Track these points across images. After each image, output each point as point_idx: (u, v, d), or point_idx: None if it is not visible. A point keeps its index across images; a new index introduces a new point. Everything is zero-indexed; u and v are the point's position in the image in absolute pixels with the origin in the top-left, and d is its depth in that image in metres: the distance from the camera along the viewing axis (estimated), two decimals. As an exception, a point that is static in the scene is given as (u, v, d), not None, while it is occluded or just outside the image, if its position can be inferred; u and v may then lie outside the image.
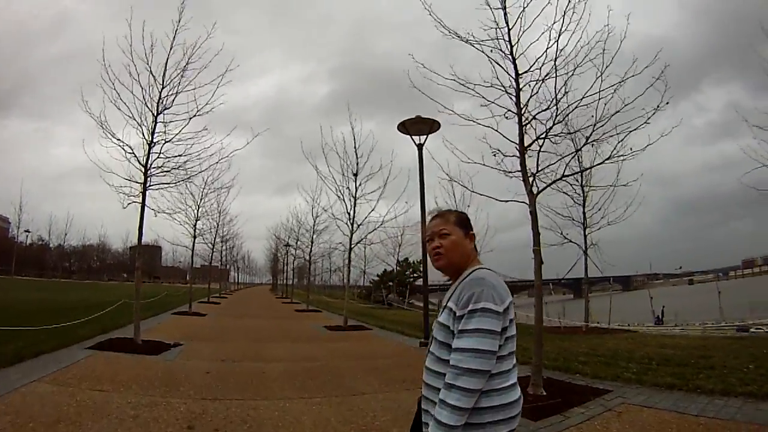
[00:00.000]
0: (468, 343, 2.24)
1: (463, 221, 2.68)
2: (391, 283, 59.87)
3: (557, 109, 7.85)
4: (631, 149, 7.84)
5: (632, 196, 18.01)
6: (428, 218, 2.88)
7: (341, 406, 6.83)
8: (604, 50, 7.55)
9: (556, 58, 7.75)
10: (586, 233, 18.96)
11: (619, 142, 7.79)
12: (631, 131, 7.65)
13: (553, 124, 7.91)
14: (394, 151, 19.05)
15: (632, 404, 6.96)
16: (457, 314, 2.34)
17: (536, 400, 7.26)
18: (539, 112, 8.01)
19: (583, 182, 18.39)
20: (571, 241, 18.78)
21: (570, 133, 8.46)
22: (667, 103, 7.39)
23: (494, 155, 8.32)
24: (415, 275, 61.05)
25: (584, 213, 18.79)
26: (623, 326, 22.85)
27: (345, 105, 20.71)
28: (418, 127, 14.03)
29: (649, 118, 7.51)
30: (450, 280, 2.74)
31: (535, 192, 8.06)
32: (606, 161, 8.19)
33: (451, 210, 2.82)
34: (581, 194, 18.75)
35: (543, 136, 7.98)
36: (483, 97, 8.22)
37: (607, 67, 7.53)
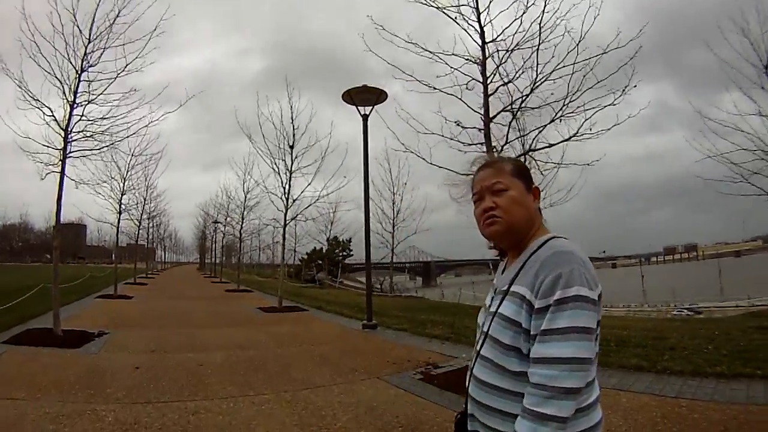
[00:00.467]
0: (561, 349, 1.53)
1: (522, 171, 1.92)
2: (320, 262, 58.69)
3: (536, 75, 7.39)
4: (590, 129, 7.48)
5: (572, 181, 18.10)
6: (472, 168, 2.03)
7: (294, 405, 5.97)
8: (583, 22, 7.16)
9: (540, 25, 7.30)
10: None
11: (586, 120, 7.43)
12: (602, 108, 7.33)
13: (531, 91, 7.46)
14: (333, 123, 18.15)
15: (606, 388, 6.45)
16: (536, 305, 1.63)
17: None
18: (507, 82, 7.59)
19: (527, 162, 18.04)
20: None
21: (538, 107, 7.88)
22: (635, 86, 7.15)
23: (458, 124, 7.87)
24: (344, 254, 60.22)
25: None
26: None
27: (278, 82, 19.73)
28: (364, 96, 13.10)
29: (617, 99, 7.24)
30: (499, 254, 2.09)
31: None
32: (572, 138, 7.68)
33: (503, 157, 2.06)
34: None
35: (518, 105, 7.57)
36: (447, 64, 7.81)
37: (582, 38, 7.16)
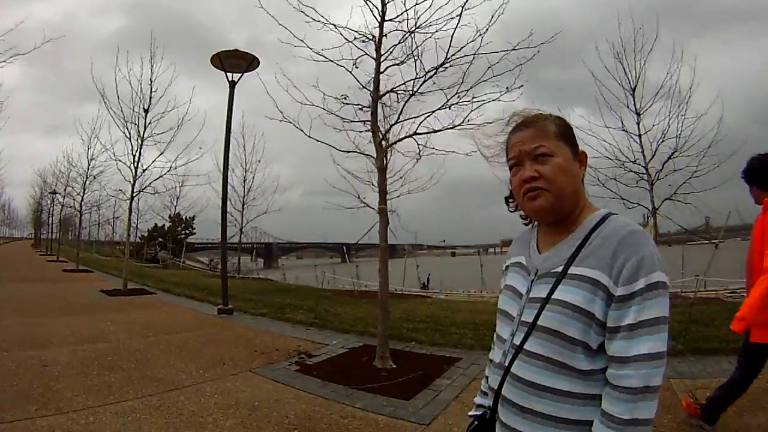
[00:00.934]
0: (652, 344, 1.33)
1: (568, 133, 1.59)
2: (161, 239, 54.46)
3: (446, 56, 7.05)
4: (462, 124, 7.27)
5: (418, 171, 18.56)
6: (506, 127, 1.68)
7: (165, 411, 5.02)
8: (493, 17, 6.89)
9: (463, 8, 6.88)
10: (387, 199, 18.51)
11: (472, 111, 7.22)
12: (489, 101, 7.16)
13: (435, 72, 7.10)
14: (193, 91, 16.56)
15: None
16: (618, 293, 1.37)
17: (393, 374, 6.44)
18: (401, 62, 7.29)
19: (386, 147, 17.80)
20: (369, 206, 18.46)
21: (424, 93, 7.51)
22: (522, 85, 6.98)
23: (344, 98, 7.46)
24: (186, 232, 56.64)
25: (385, 179, 18.29)
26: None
27: (135, 44, 17.57)
28: (234, 61, 11.78)
29: (501, 95, 7.05)
30: (528, 222, 1.75)
31: (384, 146, 7.52)
32: (456, 127, 7.38)
33: (545, 114, 1.62)
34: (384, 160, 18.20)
35: (417, 86, 7.26)
36: (342, 36, 7.26)
37: (486, 29, 6.88)
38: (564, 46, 7.05)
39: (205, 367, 6.78)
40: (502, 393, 1.53)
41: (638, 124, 13.28)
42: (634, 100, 13.40)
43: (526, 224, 1.76)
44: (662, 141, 12.91)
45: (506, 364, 1.52)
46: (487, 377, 1.78)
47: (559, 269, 1.48)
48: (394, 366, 6.78)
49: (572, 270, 1.45)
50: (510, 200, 1.72)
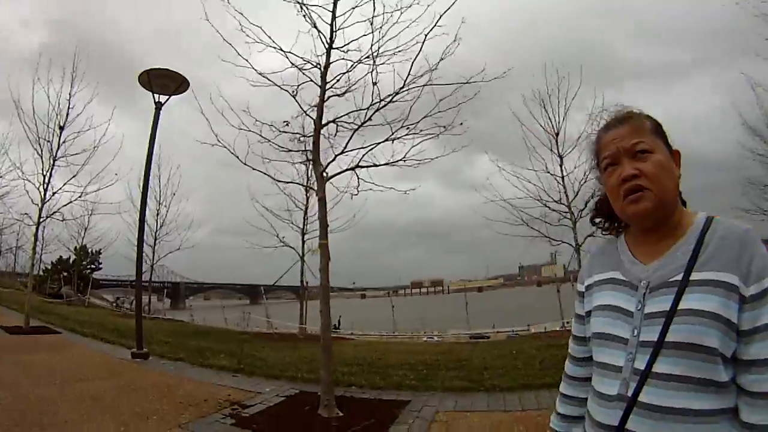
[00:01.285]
0: None
1: (661, 129, 1.45)
2: (66, 274, 50.15)
3: (403, 84, 6.91)
4: (404, 159, 7.22)
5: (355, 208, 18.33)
6: (597, 125, 1.56)
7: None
8: (447, 54, 6.90)
9: (425, 36, 6.82)
10: (305, 239, 18.17)
11: (413, 146, 7.18)
12: (426, 139, 7.17)
13: (392, 98, 6.89)
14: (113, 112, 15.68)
15: (448, 411, 6.18)
16: (750, 293, 1.22)
17: (344, 424, 5.79)
18: (344, 93, 7.04)
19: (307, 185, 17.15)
20: (288, 246, 18.10)
21: (371, 125, 7.26)
22: (461, 123, 7.03)
23: (286, 123, 7.21)
24: (92, 267, 52.56)
25: (305, 218, 17.94)
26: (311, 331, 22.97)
27: (54, 66, 16.22)
28: (164, 82, 10.81)
29: (440, 133, 7.07)
30: (605, 230, 1.62)
31: (325, 177, 6.97)
32: (399, 162, 7.24)
33: (636, 111, 1.49)
34: (304, 199, 18.13)
35: (365, 117, 7.03)
36: (288, 60, 7.01)
37: (438, 62, 6.85)
38: (474, 92, 7.06)
39: (127, 423, 5.77)
40: (625, 428, 1.30)
41: (561, 166, 14.02)
42: (557, 145, 14.05)
43: (610, 232, 1.62)
44: (584, 182, 13.53)
45: (629, 393, 1.30)
46: (564, 415, 1.64)
47: (679, 277, 1.30)
48: (341, 414, 6.17)
49: (695, 276, 1.28)
50: (598, 206, 1.61)
